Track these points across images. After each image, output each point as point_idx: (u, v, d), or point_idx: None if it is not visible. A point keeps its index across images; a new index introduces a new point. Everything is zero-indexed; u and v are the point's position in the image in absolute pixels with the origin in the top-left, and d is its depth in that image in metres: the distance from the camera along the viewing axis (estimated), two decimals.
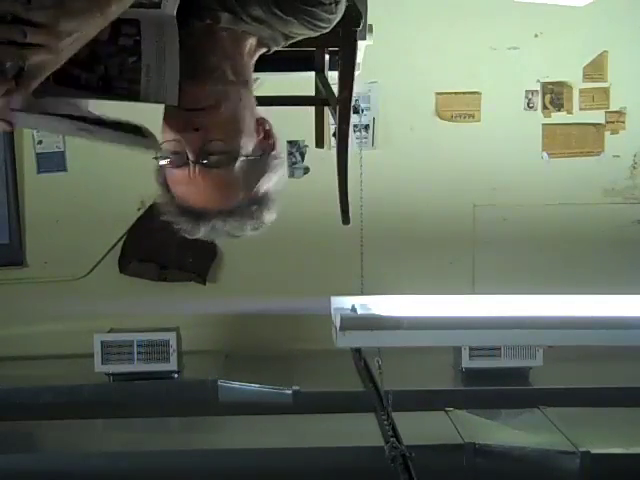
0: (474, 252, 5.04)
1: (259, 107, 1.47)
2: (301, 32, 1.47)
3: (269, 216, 1.52)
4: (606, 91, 5.03)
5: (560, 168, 5.05)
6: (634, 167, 5.11)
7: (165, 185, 1.48)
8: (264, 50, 1.49)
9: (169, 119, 1.40)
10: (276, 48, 1.51)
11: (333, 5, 1.42)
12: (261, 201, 1.49)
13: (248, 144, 1.44)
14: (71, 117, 1.33)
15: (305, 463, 3.52)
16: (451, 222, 4.94)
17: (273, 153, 1.48)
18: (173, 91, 1.33)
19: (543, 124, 5.04)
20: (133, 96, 1.32)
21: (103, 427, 4.09)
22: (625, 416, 3.93)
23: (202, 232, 1.51)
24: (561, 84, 5.02)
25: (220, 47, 1.41)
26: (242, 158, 1.43)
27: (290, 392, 4.18)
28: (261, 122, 1.47)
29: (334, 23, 1.47)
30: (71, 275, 4.92)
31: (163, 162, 1.43)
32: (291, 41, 1.51)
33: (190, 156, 1.40)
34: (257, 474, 3.52)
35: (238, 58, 1.44)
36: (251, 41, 1.46)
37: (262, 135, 1.47)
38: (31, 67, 1.17)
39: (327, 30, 1.48)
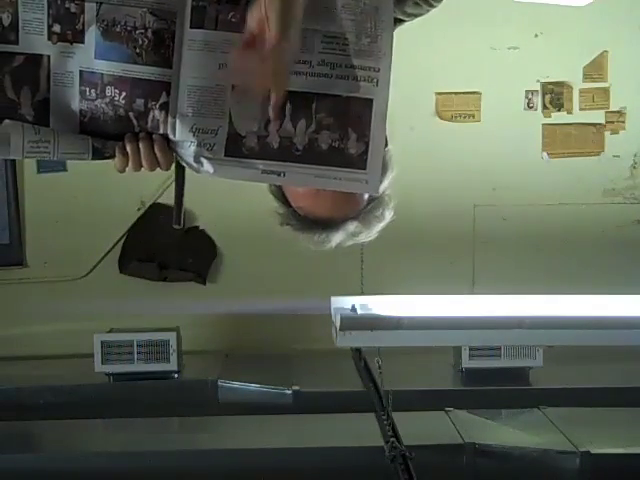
0: (474, 252, 5.03)
1: None
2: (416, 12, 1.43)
3: (389, 213, 1.48)
4: (606, 91, 5.02)
5: (560, 168, 5.05)
6: (634, 167, 5.11)
7: (283, 199, 1.44)
8: None
9: None
10: None
11: None
12: (382, 199, 1.45)
13: None
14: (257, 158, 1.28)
15: (305, 463, 3.52)
16: (451, 222, 4.94)
17: (387, 149, 1.44)
18: None
19: (543, 124, 5.04)
20: None
21: (103, 427, 4.09)
22: (625, 416, 3.92)
23: (334, 241, 1.45)
24: (561, 84, 5.02)
25: None
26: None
27: (290, 392, 4.18)
28: None
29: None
30: (71, 275, 4.92)
31: None
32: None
33: None
34: (257, 474, 3.51)
35: None
36: None
37: None
38: None
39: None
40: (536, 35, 4.93)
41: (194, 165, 1.33)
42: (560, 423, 3.75)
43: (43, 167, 4.91)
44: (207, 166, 1.32)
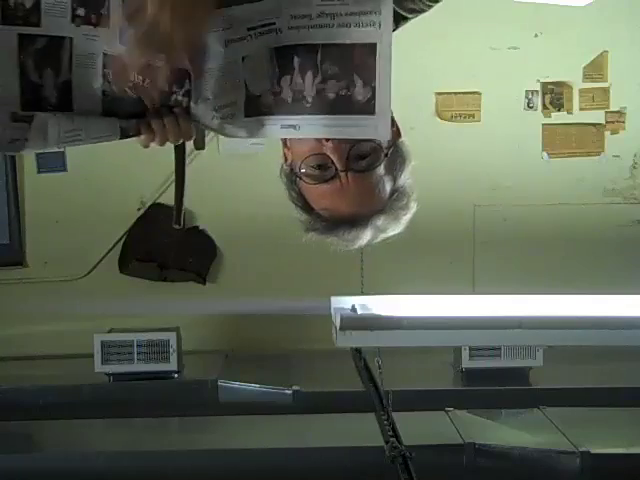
0: (474, 252, 5.04)
1: None
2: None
3: (413, 204, 1.46)
4: (606, 91, 5.03)
5: (560, 168, 5.05)
6: (634, 167, 5.11)
7: (304, 204, 1.42)
8: None
9: None
10: None
11: None
12: (405, 190, 1.44)
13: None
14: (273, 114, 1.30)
15: (305, 463, 3.52)
16: (451, 222, 4.94)
17: (402, 140, 1.43)
18: None
19: (543, 124, 5.04)
20: None
21: (103, 427, 4.09)
22: (625, 416, 3.93)
23: (365, 238, 1.43)
24: (561, 84, 5.02)
25: None
26: (386, 152, 1.37)
27: (290, 392, 4.18)
28: None
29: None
30: (71, 275, 4.92)
31: (308, 180, 1.36)
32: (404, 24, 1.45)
33: (339, 165, 1.33)
34: (257, 474, 3.52)
35: None
36: None
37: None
38: None
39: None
40: (536, 35, 4.93)
41: (218, 130, 1.35)
42: (560, 423, 3.75)
43: (43, 167, 4.92)
44: (230, 130, 1.34)
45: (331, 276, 4.60)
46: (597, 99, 5.03)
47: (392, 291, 3.55)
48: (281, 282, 4.83)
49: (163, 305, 4.56)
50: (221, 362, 4.64)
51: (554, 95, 5.02)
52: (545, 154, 5.06)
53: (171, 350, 4.36)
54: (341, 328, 3.18)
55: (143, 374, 4.35)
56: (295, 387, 4.19)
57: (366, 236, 1.43)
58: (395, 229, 1.46)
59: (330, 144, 1.32)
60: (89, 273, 4.96)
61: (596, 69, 5.00)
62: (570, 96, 5.02)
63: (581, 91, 5.02)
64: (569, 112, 5.04)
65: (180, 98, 1.33)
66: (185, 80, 1.32)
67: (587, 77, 5.01)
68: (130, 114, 1.34)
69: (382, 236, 1.46)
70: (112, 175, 4.80)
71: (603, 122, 5.05)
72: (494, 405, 4.03)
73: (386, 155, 1.37)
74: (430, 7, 1.46)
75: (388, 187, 1.41)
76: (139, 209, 4.95)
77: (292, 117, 1.30)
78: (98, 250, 4.94)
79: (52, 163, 4.90)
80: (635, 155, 5.10)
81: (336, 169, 1.34)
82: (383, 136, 1.30)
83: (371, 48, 1.28)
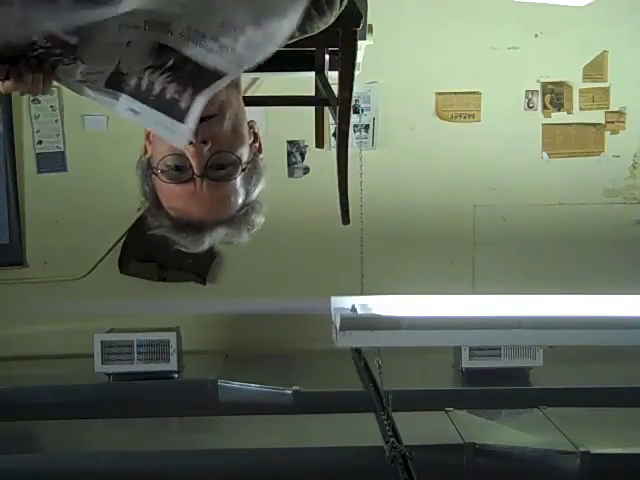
0: (474, 252, 5.04)
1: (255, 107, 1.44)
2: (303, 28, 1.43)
3: (260, 219, 1.48)
4: (606, 91, 5.03)
5: (560, 168, 5.05)
6: (634, 167, 5.11)
7: (155, 200, 1.44)
8: None
9: None
10: None
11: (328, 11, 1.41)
12: (255, 205, 1.46)
13: (246, 150, 1.40)
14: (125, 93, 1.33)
15: (305, 463, 3.52)
16: (451, 222, 4.94)
17: (261, 156, 1.45)
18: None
19: (543, 124, 5.04)
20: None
21: (103, 427, 4.09)
22: (625, 416, 3.93)
23: (205, 245, 1.45)
24: (561, 84, 5.02)
25: None
26: (244, 166, 1.39)
27: (290, 392, 4.18)
28: (250, 125, 1.43)
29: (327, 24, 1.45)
30: (71, 275, 4.92)
31: (163, 178, 1.38)
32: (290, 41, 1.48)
33: (196, 170, 1.34)
34: (257, 474, 3.52)
35: None
36: None
37: (252, 138, 1.43)
38: None
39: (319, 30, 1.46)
40: (536, 35, 4.93)
41: (75, 89, 1.38)
42: (560, 423, 3.75)
43: (43, 167, 4.92)
44: (85, 91, 1.37)
45: (331, 276, 4.61)
46: (597, 99, 5.03)
47: (392, 291, 3.55)
48: (281, 282, 4.83)
49: (163, 305, 4.56)
50: (221, 362, 4.64)
51: (554, 95, 5.02)
52: (545, 154, 5.06)
53: (171, 350, 4.36)
54: (341, 328, 3.18)
55: (143, 374, 4.35)
56: (295, 387, 4.19)
57: (207, 243, 1.45)
58: (237, 240, 1.47)
59: (192, 148, 1.33)
60: (89, 273, 4.96)
61: (596, 69, 5.00)
62: (570, 96, 5.02)
63: (581, 91, 5.02)
64: (569, 112, 5.04)
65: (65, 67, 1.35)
66: (74, 53, 1.34)
67: (587, 77, 5.01)
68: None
69: (224, 244, 1.48)
70: (112, 175, 4.79)
71: (603, 122, 5.05)
72: (494, 405, 4.03)
73: (244, 170, 1.39)
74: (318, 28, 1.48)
75: (240, 200, 1.42)
76: (139, 209, 4.93)
77: (139, 103, 1.33)
78: (98, 250, 4.94)
79: (52, 163, 4.90)
80: (635, 155, 5.10)
81: (193, 173, 1.35)
82: (181, 145, 1.33)
83: (219, 75, 1.31)
